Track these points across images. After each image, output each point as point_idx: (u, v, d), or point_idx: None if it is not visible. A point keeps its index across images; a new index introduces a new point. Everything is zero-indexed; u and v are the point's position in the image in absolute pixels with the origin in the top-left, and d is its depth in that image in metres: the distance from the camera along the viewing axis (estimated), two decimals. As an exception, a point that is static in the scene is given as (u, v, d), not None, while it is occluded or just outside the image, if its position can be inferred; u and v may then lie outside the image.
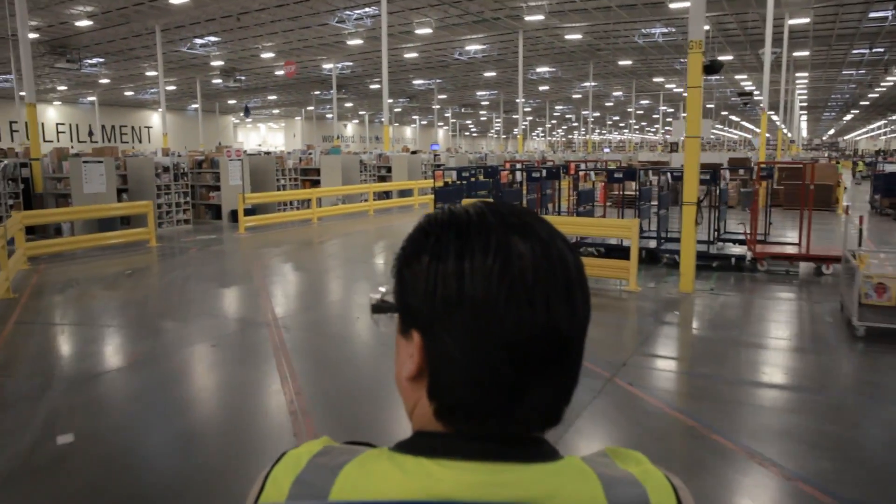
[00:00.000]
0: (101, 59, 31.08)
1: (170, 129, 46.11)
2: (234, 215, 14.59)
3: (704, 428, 4.01)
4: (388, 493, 0.51)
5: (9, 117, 39.10)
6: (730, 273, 8.89)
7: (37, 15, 23.28)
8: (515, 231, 0.55)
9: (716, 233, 9.90)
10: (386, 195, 19.87)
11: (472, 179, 11.61)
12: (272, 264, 10.55)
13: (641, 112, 58.68)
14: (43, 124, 45.14)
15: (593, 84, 36.99)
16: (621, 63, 33.88)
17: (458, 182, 11.70)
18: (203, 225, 15.22)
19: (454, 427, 0.55)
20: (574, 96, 47.67)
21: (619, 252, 9.87)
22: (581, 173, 9.91)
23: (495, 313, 0.52)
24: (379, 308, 0.69)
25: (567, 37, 27.42)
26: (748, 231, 9.44)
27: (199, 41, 27.89)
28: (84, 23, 23.78)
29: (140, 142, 48.71)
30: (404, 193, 20.08)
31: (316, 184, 17.81)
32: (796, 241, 9.44)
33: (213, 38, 27.61)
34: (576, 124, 70.25)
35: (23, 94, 40.94)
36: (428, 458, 0.53)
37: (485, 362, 0.53)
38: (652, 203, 10.83)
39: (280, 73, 36.36)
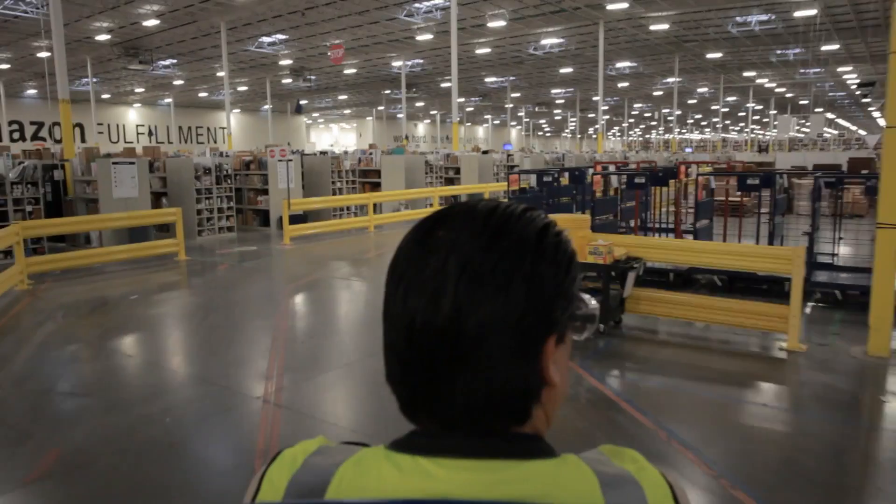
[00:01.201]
0: (174, 60, 31.13)
1: (241, 130, 46.45)
2: (283, 222, 13.11)
3: None
4: (384, 492, 0.51)
5: (84, 118, 39.01)
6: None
7: (107, 16, 23.13)
8: (442, 225, 0.54)
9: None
10: (454, 200, 17.98)
11: (554, 184, 9.51)
12: (306, 289, 8.77)
13: (727, 110, 54.31)
14: (124, 126, 46.45)
15: (678, 80, 33.91)
16: (709, 56, 31.05)
17: (537, 188, 9.66)
18: (248, 233, 13.78)
19: (413, 423, 0.55)
20: (655, 93, 44.43)
21: (749, 283, 7.52)
22: (700, 178, 7.60)
23: (386, 297, 0.55)
24: None
25: (652, 27, 24.99)
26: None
27: (266, 39, 27.27)
28: (152, 22, 23.47)
29: (215, 142, 49.19)
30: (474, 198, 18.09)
31: (377, 187, 16.14)
32: None
33: (280, 36, 26.92)
34: (654, 123, 66.22)
35: (105, 96, 42.13)
36: (424, 457, 0.52)
37: (386, 350, 0.56)
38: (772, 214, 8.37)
39: (349, 71, 35.41)
